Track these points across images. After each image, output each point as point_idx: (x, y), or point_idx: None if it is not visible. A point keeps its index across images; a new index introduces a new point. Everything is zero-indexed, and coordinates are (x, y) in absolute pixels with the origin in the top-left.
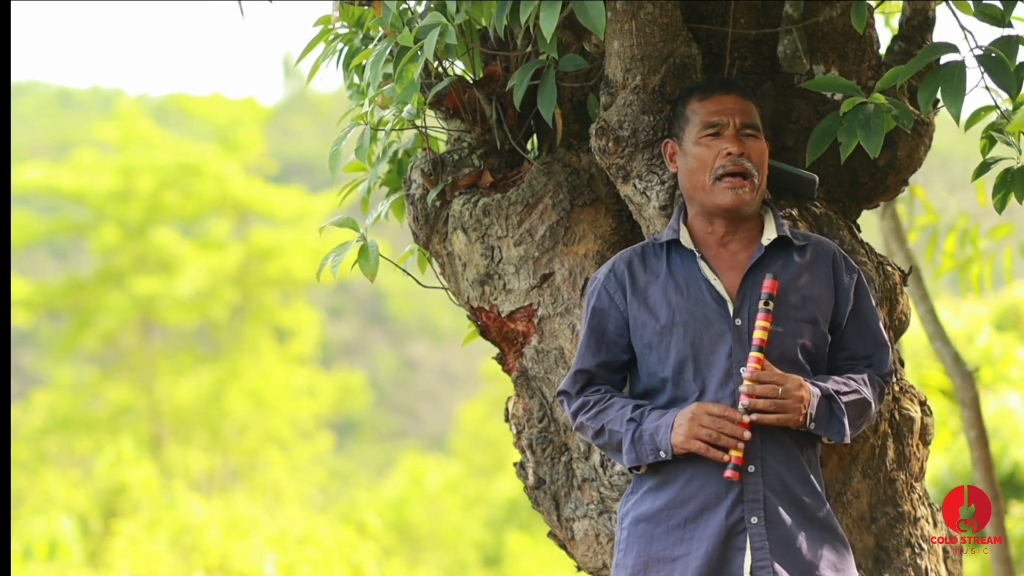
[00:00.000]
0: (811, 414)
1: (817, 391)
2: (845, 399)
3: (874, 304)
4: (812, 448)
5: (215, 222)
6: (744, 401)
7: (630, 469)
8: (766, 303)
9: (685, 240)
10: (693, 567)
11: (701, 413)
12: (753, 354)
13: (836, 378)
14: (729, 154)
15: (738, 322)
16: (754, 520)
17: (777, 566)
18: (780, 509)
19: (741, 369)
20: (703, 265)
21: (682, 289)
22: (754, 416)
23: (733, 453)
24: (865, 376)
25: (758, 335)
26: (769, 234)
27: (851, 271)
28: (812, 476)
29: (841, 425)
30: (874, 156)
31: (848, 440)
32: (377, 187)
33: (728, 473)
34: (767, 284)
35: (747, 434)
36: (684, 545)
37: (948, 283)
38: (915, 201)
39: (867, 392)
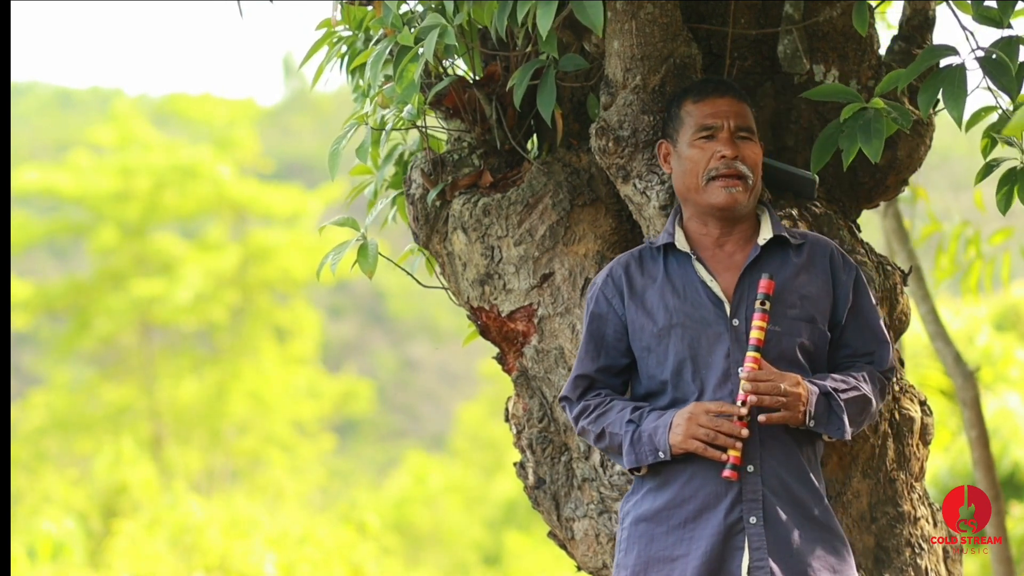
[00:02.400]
0: (810, 411)
1: (815, 388)
2: (844, 396)
3: (874, 301)
4: (812, 447)
5: (213, 223)
6: (743, 398)
7: (631, 471)
8: (762, 303)
9: (680, 243)
10: (692, 567)
11: (699, 412)
12: (750, 354)
13: (834, 376)
14: (723, 157)
15: (735, 322)
16: (752, 520)
17: (774, 566)
18: (779, 509)
19: (739, 369)
20: (699, 267)
21: (679, 291)
22: (761, 417)
23: (731, 452)
24: (865, 373)
25: (755, 335)
26: (765, 234)
27: (849, 268)
28: (812, 475)
29: (841, 422)
30: (875, 161)
31: (848, 437)
32: (384, 190)
33: (726, 473)
34: (763, 284)
35: (745, 432)
36: (684, 545)
37: (948, 283)
38: (918, 203)
39: (867, 389)
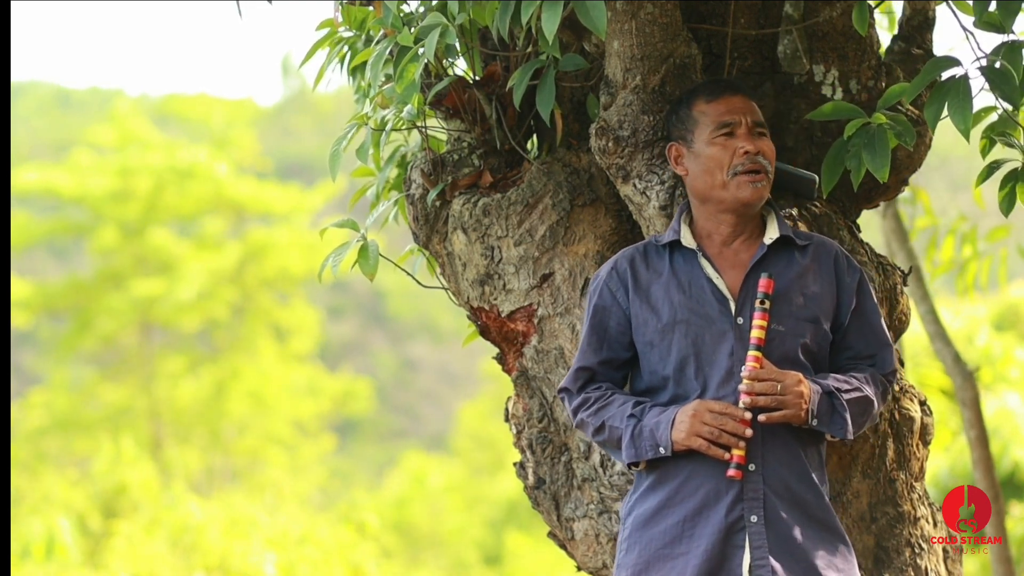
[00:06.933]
0: (813, 410)
1: (817, 387)
2: (846, 396)
3: (877, 303)
4: (815, 447)
5: (213, 222)
6: (744, 399)
7: (629, 466)
8: (762, 302)
9: (686, 240)
10: (693, 565)
11: (703, 410)
12: (751, 352)
13: (837, 376)
14: (746, 152)
15: (740, 321)
16: (753, 519)
17: (776, 565)
18: (780, 508)
19: (742, 368)
20: (705, 264)
21: (684, 287)
22: (761, 417)
23: (735, 452)
24: (867, 375)
25: (755, 334)
26: (772, 233)
27: (853, 270)
28: (814, 475)
29: (844, 421)
30: (883, 180)
31: (851, 436)
32: (387, 192)
33: (731, 472)
34: (763, 283)
35: (749, 432)
36: (684, 543)
37: (947, 283)
38: (918, 203)
39: (869, 390)
